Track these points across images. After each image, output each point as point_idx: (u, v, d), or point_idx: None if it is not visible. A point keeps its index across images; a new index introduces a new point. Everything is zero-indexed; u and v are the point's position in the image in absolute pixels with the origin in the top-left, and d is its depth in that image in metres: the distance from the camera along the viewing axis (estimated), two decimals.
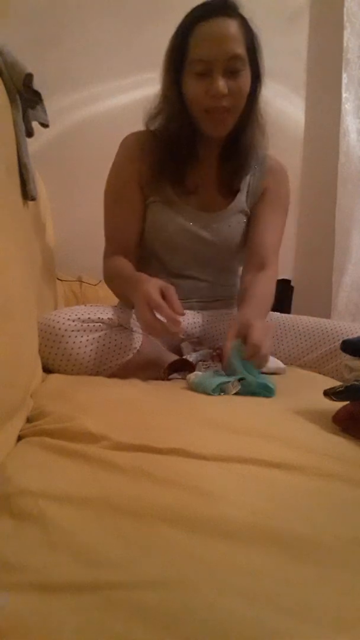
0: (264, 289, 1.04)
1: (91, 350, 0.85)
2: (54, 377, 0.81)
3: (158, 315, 0.79)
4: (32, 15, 1.66)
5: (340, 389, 0.60)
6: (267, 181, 1.14)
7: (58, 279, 1.55)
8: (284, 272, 2.03)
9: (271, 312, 1.22)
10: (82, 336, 0.85)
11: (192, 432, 0.54)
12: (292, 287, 2.00)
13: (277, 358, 1.02)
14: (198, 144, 1.06)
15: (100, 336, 0.87)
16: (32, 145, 0.90)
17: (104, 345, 0.86)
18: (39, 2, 1.68)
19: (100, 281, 1.67)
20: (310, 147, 2.00)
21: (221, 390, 0.74)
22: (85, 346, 0.85)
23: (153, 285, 0.83)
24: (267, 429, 0.57)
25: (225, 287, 1.19)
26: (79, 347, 0.84)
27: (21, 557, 0.33)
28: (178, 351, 1.01)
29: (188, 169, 1.07)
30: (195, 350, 0.99)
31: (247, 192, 1.14)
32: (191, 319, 1.09)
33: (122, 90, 1.76)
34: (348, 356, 0.79)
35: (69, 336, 0.84)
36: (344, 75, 1.79)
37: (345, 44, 1.78)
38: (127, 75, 1.75)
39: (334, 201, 1.81)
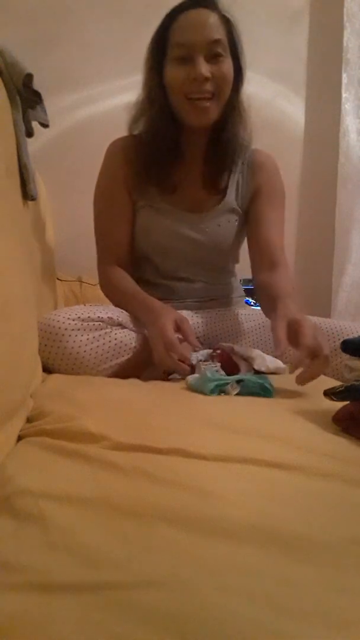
0: (284, 285, 0.98)
1: (91, 349, 0.85)
2: (54, 377, 0.81)
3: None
4: (32, 15, 1.66)
5: (340, 389, 0.60)
6: (259, 178, 1.12)
7: (58, 279, 1.55)
8: None
9: None
10: (82, 335, 0.85)
11: (192, 432, 0.54)
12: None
13: (277, 358, 1.02)
14: (182, 140, 1.05)
15: (100, 335, 0.87)
16: (32, 145, 0.90)
17: (104, 344, 0.86)
18: (38, 2, 1.68)
19: None
20: (310, 147, 1.99)
21: (220, 391, 0.73)
22: (86, 345, 0.85)
23: (170, 319, 0.84)
24: (267, 429, 0.57)
25: (220, 286, 1.19)
26: (79, 347, 0.84)
27: (21, 557, 0.33)
28: None
29: (173, 168, 1.06)
30: (194, 350, 0.99)
31: (237, 190, 1.12)
32: (190, 320, 1.09)
33: (122, 90, 1.75)
34: (348, 356, 0.79)
35: (69, 335, 0.84)
36: (344, 75, 1.79)
37: (345, 44, 1.78)
38: (127, 75, 1.74)
39: (334, 201, 1.81)
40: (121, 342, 0.88)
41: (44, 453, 0.49)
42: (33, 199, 0.92)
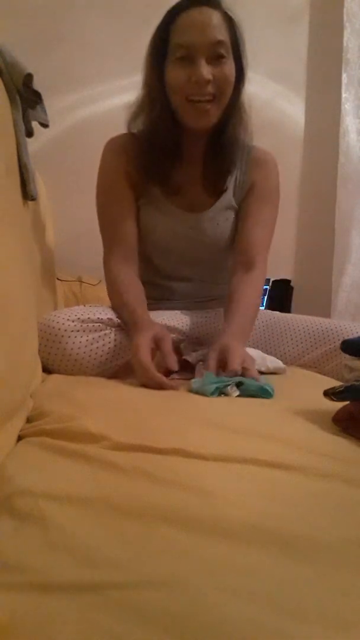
0: (250, 293, 1.00)
1: (91, 350, 0.85)
2: (54, 377, 0.81)
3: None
4: (32, 15, 1.66)
5: (340, 389, 0.60)
6: (254, 174, 1.10)
7: (58, 279, 1.55)
8: (284, 272, 2.04)
9: (271, 312, 1.22)
10: (81, 336, 0.85)
11: (192, 432, 0.54)
12: (292, 287, 2.00)
13: (277, 358, 1.02)
14: (182, 141, 1.04)
15: (100, 336, 0.87)
16: (32, 145, 0.90)
17: (103, 345, 0.86)
18: (38, 2, 1.68)
19: (100, 281, 1.67)
20: (310, 147, 2.00)
21: (221, 392, 0.73)
22: (85, 346, 0.85)
23: (146, 338, 0.80)
24: (267, 429, 0.57)
25: (220, 286, 1.18)
26: (79, 348, 0.84)
27: (21, 557, 0.33)
28: (178, 352, 1.01)
29: (173, 168, 1.05)
30: (194, 351, 0.99)
31: (235, 187, 1.11)
32: (190, 320, 1.09)
33: (122, 90, 1.75)
34: (348, 356, 0.79)
35: (69, 336, 0.84)
36: (344, 75, 1.79)
37: (345, 44, 1.78)
38: (127, 75, 1.74)
39: (334, 201, 1.81)
40: (121, 343, 0.88)
41: (44, 453, 0.49)
42: (33, 199, 0.92)
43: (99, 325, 0.87)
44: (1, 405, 0.50)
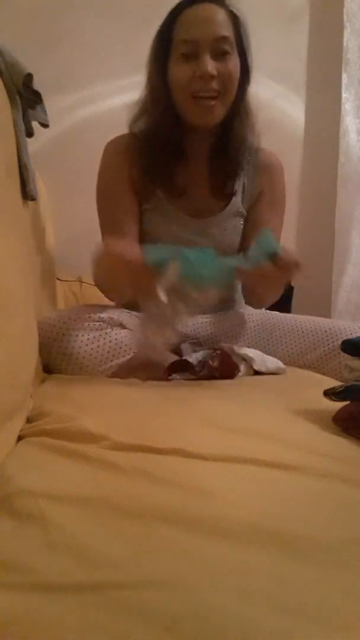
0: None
1: (91, 349, 0.85)
2: (54, 377, 0.81)
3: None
4: (32, 15, 1.66)
5: (340, 389, 0.60)
6: (263, 180, 1.09)
7: (58, 279, 1.55)
8: None
9: (271, 312, 1.22)
10: (82, 335, 0.85)
11: (191, 432, 0.54)
12: (292, 287, 2.00)
13: (277, 358, 1.02)
14: (186, 140, 1.02)
15: (100, 335, 0.87)
16: (32, 145, 0.90)
17: (104, 344, 0.86)
18: (38, 2, 1.68)
19: None
20: (310, 147, 1.99)
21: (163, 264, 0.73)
22: (86, 345, 0.85)
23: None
24: (267, 429, 0.57)
25: (226, 290, 1.17)
26: (79, 347, 0.84)
27: (21, 557, 0.33)
28: (178, 352, 1.01)
29: (177, 168, 1.03)
30: (195, 351, 0.99)
31: (243, 192, 1.09)
32: (192, 321, 1.08)
33: (122, 90, 1.75)
34: (348, 356, 0.79)
35: (69, 335, 0.84)
36: (344, 75, 1.79)
37: (345, 44, 1.78)
38: (127, 75, 1.74)
39: (334, 201, 1.81)
40: (121, 342, 0.88)
41: (44, 453, 0.49)
42: (33, 199, 0.92)
43: (100, 324, 0.87)
44: (1, 405, 0.50)
